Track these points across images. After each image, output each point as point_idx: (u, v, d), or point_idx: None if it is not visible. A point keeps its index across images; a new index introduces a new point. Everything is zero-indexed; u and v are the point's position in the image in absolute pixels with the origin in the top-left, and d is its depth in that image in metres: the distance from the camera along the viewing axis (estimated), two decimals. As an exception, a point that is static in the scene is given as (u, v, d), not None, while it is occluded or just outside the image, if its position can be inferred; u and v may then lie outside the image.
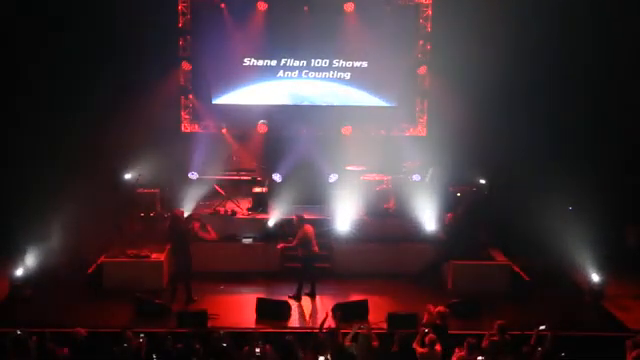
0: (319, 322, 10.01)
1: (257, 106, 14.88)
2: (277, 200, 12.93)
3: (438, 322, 9.40)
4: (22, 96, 13.23)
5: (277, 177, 13.75)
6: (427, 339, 8.79)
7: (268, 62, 14.78)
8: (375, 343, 8.80)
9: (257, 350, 8.40)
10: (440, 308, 9.61)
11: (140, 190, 13.32)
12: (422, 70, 14.81)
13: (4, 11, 13.05)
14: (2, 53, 13.03)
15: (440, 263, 11.90)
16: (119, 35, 13.56)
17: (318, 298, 11.23)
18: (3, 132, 12.93)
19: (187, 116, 15.04)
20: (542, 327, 9.01)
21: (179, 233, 10.92)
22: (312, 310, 10.88)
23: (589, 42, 12.88)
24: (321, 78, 14.84)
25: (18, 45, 13.14)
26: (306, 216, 11.79)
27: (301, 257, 11.33)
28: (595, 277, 11.30)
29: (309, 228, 11.27)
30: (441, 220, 12.14)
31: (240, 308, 10.76)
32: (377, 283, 11.60)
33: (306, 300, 11.17)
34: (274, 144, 14.54)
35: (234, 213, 13.02)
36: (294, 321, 10.42)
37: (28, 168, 12.48)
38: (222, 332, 8.73)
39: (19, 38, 13.09)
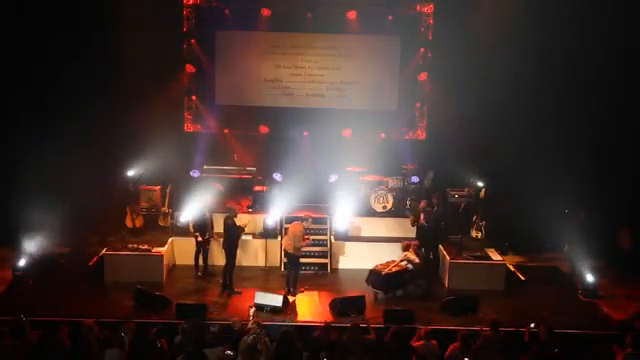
0: (316, 316, 10.26)
1: (259, 108, 15.15)
2: (277, 199, 13.09)
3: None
4: (29, 94, 13.38)
5: (277, 176, 13.96)
6: (423, 332, 8.94)
7: (271, 65, 15.02)
8: (372, 336, 8.93)
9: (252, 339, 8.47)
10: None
11: (143, 186, 13.62)
12: (422, 76, 15.12)
13: (12, 13, 13.28)
14: (11, 54, 13.24)
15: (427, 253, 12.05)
16: (125, 38, 13.77)
17: (316, 293, 11.38)
18: (11, 128, 13.10)
19: (189, 116, 15.30)
20: (532, 325, 9.21)
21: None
22: (310, 304, 11.01)
23: (587, 47, 13.09)
24: (322, 81, 15.06)
25: (27, 46, 13.31)
26: (305, 214, 11.97)
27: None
28: (590, 277, 11.48)
29: (293, 227, 11.48)
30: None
31: (239, 302, 10.87)
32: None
33: (304, 295, 11.32)
34: (275, 145, 14.81)
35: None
36: (292, 314, 10.51)
37: (33, 162, 12.60)
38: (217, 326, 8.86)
39: (27, 39, 13.30)
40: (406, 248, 11.39)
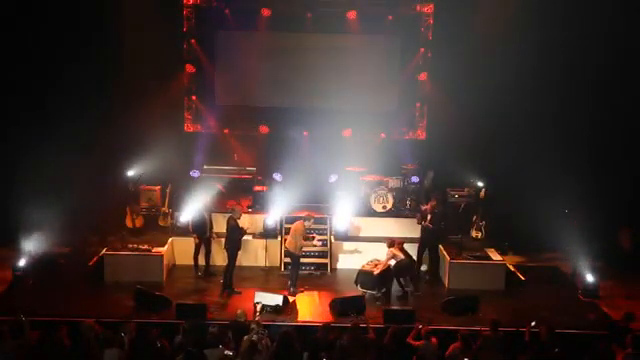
0: (316, 316, 10.26)
1: (259, 108, 15.17)
2: (277, 199, 13.11)
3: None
4: (30, 94, 13.42)
5: (277, 176, 13.97)
6: (423, 331, 8.95)
7: (271, 65, 15.02)
8: (372, 335, 8.93)
9: (253, 339, 8.49)
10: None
11: (143, 186, 13.66)
12: (422, 76, 15.15)
13: (12, 13, 13.29)
14: (11, 54, 13.26)
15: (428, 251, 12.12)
16: (125, 38, 13.78)
17: (316, 293, 11.41)
18: (11, 128, 13.11)
19: (189, 116, 15.32)
20: (533, 324, 9.24)
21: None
22: (310, 304, 11.02)
23: (587, 46, 13.12)
24: (322, 80, 15.04)
25: (27, 46, 13.33)
26: (307, 214, 11.98)
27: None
28: (589, 277, 11.50)
29: (296, 226, 11.52)
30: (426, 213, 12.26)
31: (239, 302, 10.87)
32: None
33: (304, 295, 11.33)
34: (275, 145, 14.85)
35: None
36: (292, 314, 10.52)
37: (33, 163, 12.62)
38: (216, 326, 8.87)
39: (27, 39, 13.32)
40: (391, 244, 11.42)
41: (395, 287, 11.33)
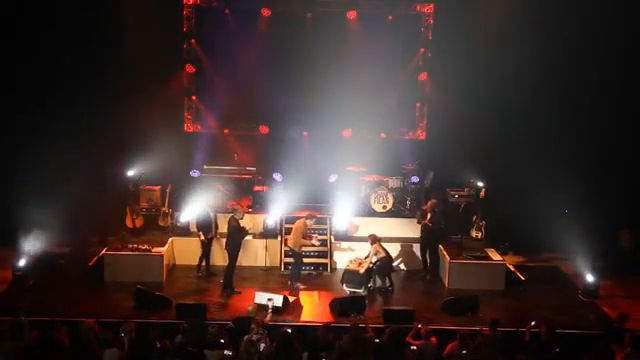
0: (316, 316, 10.26)
1: (259, 108, 15.15)
2: (277, 198, 13.12)
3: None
4: (30, 94, 13.44)
5: (277, 177, 13.98)
6: (423, 331, 8.96)
7: (271, 65, 15.01)
8: (371, 334, 8.94)
9: (254, 337, 8.49)
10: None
11: (143, 186, 13.67)
12: (422, 76, 15.13)
13: (12, 13, 13.30)
14: (11, 54, 13.27)
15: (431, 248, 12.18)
16: (125, 38, 13.77)
17: (316, 293, 11.42)
18: (11, 128, 13.11)
19: (189, 116, 15.31)
20: (533, 323, 9.24)
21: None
22: (310, 304, 11.02)
23: (587, 46, 13.13)
24: (323, 80, 15.01)
25: (27, 46, 13.34)
26: (309, 214, 12.00)
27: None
28: (590, 277, 11.49)
29: (297, 223, 11.60)
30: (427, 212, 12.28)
31: (239, 302, 10.88)
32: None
33: (305, 294, 11.35)
34: (275, 145, 14.84)
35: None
36: (292, 314, 10.53)
37: (33, 163, 12.63)
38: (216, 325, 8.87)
39: (27, 39, 13.33)
40: (374, 241, 11.47)
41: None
